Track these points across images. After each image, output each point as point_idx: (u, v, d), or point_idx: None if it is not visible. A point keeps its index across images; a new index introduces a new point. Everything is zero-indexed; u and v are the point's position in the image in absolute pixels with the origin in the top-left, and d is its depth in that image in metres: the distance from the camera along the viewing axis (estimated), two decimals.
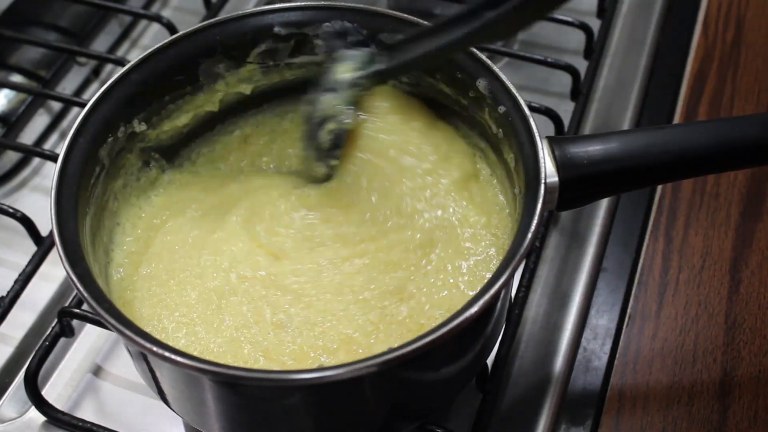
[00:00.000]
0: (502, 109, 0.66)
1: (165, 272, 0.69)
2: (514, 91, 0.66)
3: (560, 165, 0.63)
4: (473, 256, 0.68)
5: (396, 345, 0.55)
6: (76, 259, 0.60)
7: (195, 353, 0.63)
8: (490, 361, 0.73)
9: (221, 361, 0.63)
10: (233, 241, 0.70)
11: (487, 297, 0.56)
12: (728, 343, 0.76)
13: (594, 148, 0.64)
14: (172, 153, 0.76)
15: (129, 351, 0.67)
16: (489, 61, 0.68)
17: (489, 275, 0.65)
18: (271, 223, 0.71)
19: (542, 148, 0.62)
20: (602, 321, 0.80)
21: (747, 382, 0.74)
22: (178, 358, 0.55)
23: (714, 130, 0.66)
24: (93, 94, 0.75)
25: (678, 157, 0.65)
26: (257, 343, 0.64)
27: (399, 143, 0.72)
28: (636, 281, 0.81)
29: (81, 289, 0.58)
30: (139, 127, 0.71)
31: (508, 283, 0.59)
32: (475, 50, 0.68)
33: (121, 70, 0.69)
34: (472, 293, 0.65)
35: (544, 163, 0.62)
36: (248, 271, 0.68)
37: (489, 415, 0.72)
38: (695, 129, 0.67)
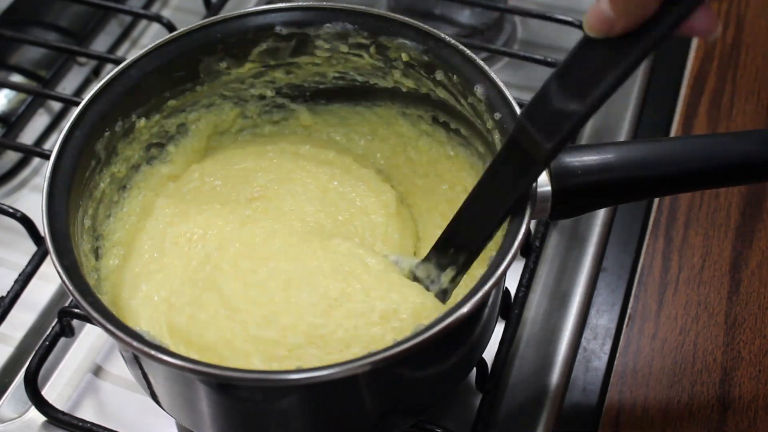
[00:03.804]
0: (497, 116, 0.65)
1: (156, 266, 0.69)
2: (510, 98, 0.65)
3: (554, 174, 0.62)
4: None
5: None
6: (64, 251, 0.59)
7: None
8: (490, 360, 0.73)
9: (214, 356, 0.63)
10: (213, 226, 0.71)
11: (476, 299, 0.56)
12: (728, 343, 0.76)
13: (589, 159, 0.63)
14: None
15: (121, 354, 0.67)
16: (487, 68, 0.67)
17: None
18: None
19: None
20: (602, 321, 0.80)
21: (747, 382, 0.74)
22: (161, 356, 0.54)
23: (713, 145, 0.65)
24: None
25: (675, 172, 0.64)
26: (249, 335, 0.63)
27: None
28: (636, 281, 0.81)
29: (66, 281, 0.57)
30: (138, 122, 0.71)
31: (498, 284, 0.59)
32: (473, 55, 0.68)
33: (120, 65, 0.69)
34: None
35: None
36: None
37: (489, 415, 0.72)
38: (693, 143, 0.66)
